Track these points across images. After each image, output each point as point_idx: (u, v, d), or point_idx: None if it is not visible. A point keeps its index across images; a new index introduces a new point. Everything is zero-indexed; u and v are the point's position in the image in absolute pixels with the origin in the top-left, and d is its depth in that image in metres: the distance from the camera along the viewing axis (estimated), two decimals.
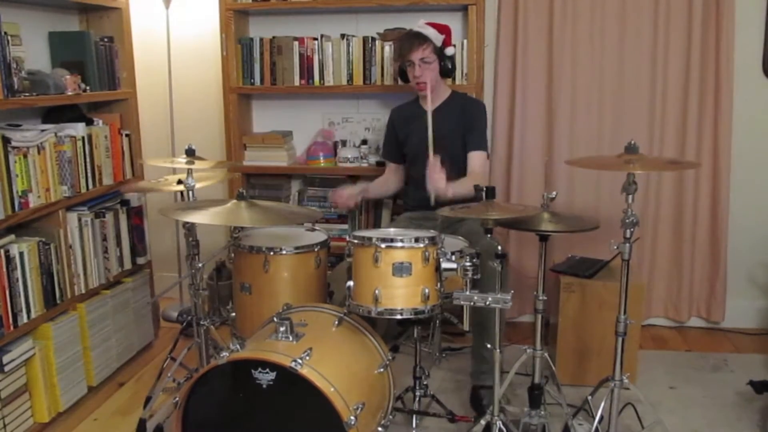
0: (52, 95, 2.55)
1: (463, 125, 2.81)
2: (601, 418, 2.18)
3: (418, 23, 2.78)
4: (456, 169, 2.81)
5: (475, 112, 2.84)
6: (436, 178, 2.47)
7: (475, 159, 2.78)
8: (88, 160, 2.72)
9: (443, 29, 2.78)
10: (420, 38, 2.72)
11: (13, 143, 2.31)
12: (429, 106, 2.62)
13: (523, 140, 3.30)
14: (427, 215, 2.74)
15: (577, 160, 2.28)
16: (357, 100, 3.47)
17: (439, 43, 2.75)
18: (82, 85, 2.73)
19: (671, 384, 2.81)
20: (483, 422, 2.15)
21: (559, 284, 2.79)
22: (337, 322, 2.14)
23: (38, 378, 2.44)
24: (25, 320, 2.38)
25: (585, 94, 3.23)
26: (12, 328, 2.32)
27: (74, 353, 2.62)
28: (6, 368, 2.27)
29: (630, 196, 2.00)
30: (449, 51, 2.79)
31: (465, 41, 3.13)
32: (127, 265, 3.01)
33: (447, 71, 2.81)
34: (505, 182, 3.34)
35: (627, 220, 2.00)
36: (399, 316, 2.01)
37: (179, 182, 2.44)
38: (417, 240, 1.99)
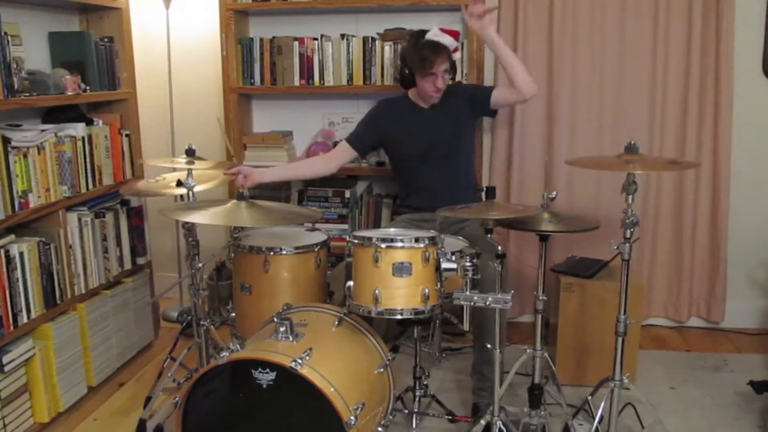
0: (52, 95, 2.55)
1: (470, 103, 2.82)
2: (601, 418, 2.18)
3: (433, 30, 2.73)
4: (452, 170, 2.80)
5: (464, 89, 2.91)
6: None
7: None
8: (88, 160, 2.72)
9: (457, 36, 2.79)
10: (443, 50, 2.67)
11: (13, 143, 2.31)
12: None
13: (523, 140, 3.29)
14: (426, 217, 2.73)
15: (577, 160, 2.28)
16: (357, 100, 3.47)
17: (452, 50, 2.74)
18: (82, 85, 2.73)
19: (671, 384, 2.81)
20: (483, 422, 2.16)
21: (559, 284, 2.79)
22: (337, 322, 2.14)
23: (38, 378, 2.44)
24: (25, 320, 2.39)
25: (585, 94, 3.22)
26: (12, 328, 2.32)
27: (74, 353, 2.62)
28: (6, 368, 2.28)
29: (630, 196, 2.00)
30: (455, 56, 2.80)
31: (465, 41, 3.13)
32: (127, 265, 3.01)
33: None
34: (505, 182, 3.34)
35: (627, 220, 2.01)
36: (399, 316, 2.01)
37: (179, 183, 2.44)
38: (417, 240, 1.99)
